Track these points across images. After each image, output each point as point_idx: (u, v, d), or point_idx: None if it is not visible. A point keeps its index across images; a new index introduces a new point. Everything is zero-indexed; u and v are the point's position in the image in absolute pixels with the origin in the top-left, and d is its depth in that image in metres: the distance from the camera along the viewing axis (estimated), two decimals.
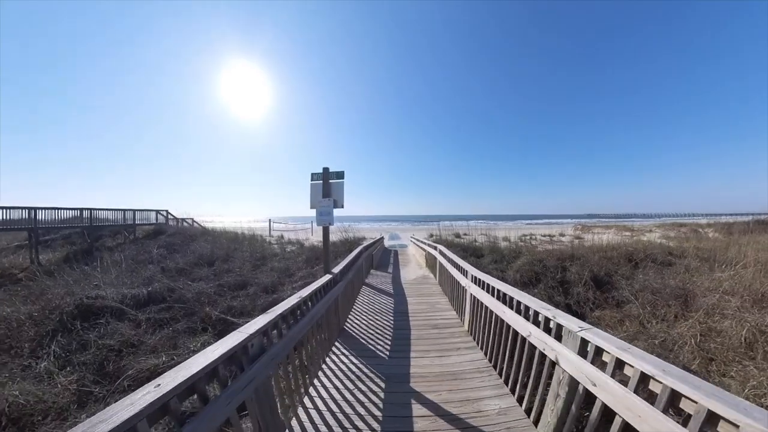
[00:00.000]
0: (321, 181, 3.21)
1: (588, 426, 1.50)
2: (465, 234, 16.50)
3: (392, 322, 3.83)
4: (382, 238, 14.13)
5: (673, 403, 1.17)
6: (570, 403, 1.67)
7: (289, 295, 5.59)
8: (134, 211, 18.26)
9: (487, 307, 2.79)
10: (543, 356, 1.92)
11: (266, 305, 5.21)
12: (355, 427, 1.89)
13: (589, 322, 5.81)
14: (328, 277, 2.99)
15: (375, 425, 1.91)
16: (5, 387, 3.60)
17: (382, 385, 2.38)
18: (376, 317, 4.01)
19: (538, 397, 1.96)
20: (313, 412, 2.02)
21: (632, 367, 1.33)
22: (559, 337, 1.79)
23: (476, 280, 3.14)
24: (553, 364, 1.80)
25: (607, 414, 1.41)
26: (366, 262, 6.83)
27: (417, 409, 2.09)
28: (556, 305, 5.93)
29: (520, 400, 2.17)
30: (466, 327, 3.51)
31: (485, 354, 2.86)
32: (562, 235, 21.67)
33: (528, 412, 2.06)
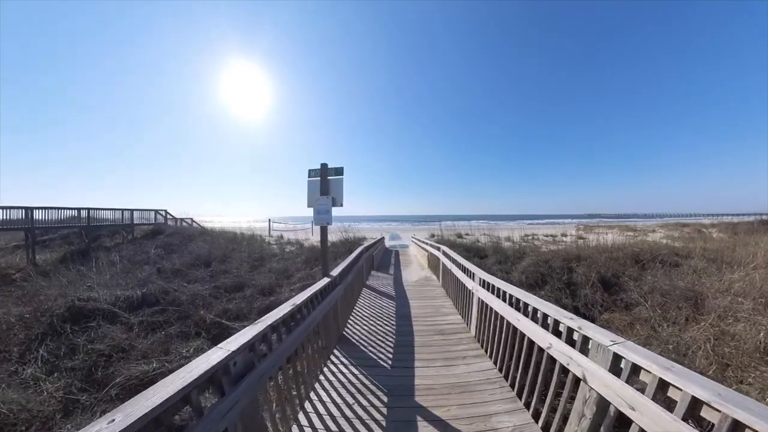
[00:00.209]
0: (319, 178, 3.01)
1: None
2: (467, 234, 16.31)
3: (394, 327, 3.63)
4: (382, 239, 13.92)
5: None
6: (598, 425, 1.48)
7: (286, 299, 5.37)
8: (132, 210, 18.09)
9: (497, 313, 2.59)
10: (564, 370, 1.73)
11: (263, 308, 5.02)
12: None
13: (599, 326, 5.62)
14: (326, 280, 2.79)
15: None
16: None
17: (385, 399, 2.18)
18: (378, 322, 3.80)
19: (558, 415, 1.76)
20: None
21: (679, 389, 1.14)
22: (585, 351, 1.59)
23: (484, 284, 2.94)
24: (578, 380, 1.60)
25: None
26: (366, 264, 6.62)
27: (423, 427, 1.89)
28: (564, 308, 5.74)
29: (535, 416, 1.97)
30: (472, 332, 3.31)
31: (495, 363, 2.66)
32: (564, 235, 21.47)
33: (545, 430, 1.86)
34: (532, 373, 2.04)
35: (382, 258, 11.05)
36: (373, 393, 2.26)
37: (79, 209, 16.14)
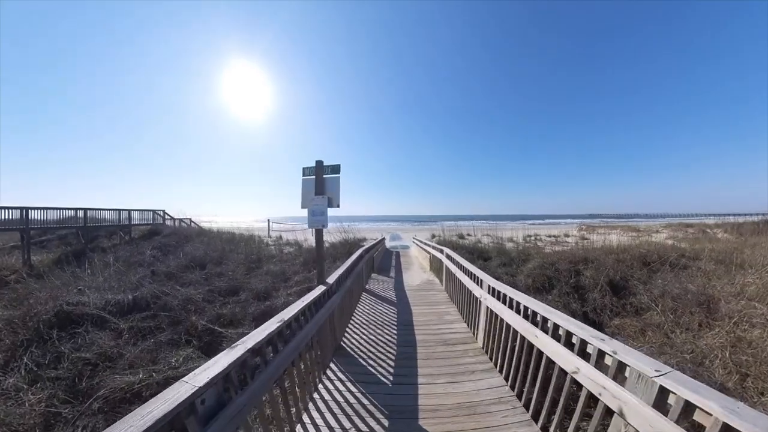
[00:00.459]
0: (314, 177, 2.78)
1: None
2: (468, 234, 16.09)
3: (395, 336, 3.39)
4: (383, 239, 13.67)
5: None
6: None
7: (282, 304, 5.10)
8: (130, 211, 17.89)
9: (509, 326, 2.36)
10: (593, 398, 1.50)
11: (258, 314, 4.79)
12: None
13: (609, 332, 5.34)
14: (321, 288, 2.56)
15: None
16: None
17: (385, 423, 1.96)
18: (378, 330, 3.57)
19: None
20: None
21: None
22: (620, 378, 1.36)
23: (494, 292, 2.71)
24: (610, 411, 1.37)
25: None
26: (366, 267, 6.38)
27: None
28: (573, 313, 5.50)
29: None
30: (480, 343, 3.08)
31: (506, 379, 2.43)
32: (566, 235, 21.25)
33: None
34: (551, 396, 1.81)
35: (383, 260, 10.80)
36: (372, 415, 2.04)
37: (76, 209, 15.94)
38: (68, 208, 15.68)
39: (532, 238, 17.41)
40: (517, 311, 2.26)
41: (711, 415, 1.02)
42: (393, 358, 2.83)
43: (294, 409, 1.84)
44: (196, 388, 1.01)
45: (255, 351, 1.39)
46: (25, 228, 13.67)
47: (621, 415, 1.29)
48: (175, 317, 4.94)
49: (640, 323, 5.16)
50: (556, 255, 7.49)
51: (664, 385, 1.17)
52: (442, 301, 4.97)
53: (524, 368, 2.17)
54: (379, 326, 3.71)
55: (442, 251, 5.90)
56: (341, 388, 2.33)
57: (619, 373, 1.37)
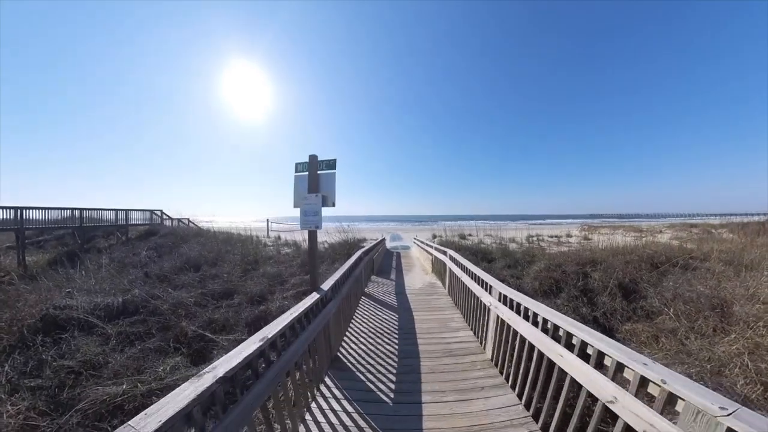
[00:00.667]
0: (307, 173, 2.53)
1: None
2: (469, 235, 15.88)
3: (397, 346, 3.14)
4: (383, 240, 13.42)
5: None
6: None
7: (277, 308, 4.83)
8: (127, 210, 17.69)
9: (524, 339, 2.12)
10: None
11: (251, 319, 4.55)
12: None
13: (621, 338, 5.08)
14: (314, 297, 2.31)
15: None
16: None
17: None
18: (378, 340, 3.32)
19: None
20: None
21: None
22: (669, 411, 1.13)
23: (505, 300, 2.47)
24: None
25: None
26: (366, 269, 6.13)
27: None
28: (583, 319, 5.25)
29: None
30: (488, 354, 2.83)
31: (519, 396, 2.19)
32: (569, 235, 21.06)
33: None
34: (576, 424, 1.58)
35: (383, 261, 10.55)
36: None
37: (72, 209, 15.74)
38: (64, 208, 15.49)
39: (534, 238, 17.19)
40: (535, 323, 2.02)
41: None
42: (394, 371, 2.58)
43: None
44: None
45: (228, 379, 1.15)
46: (19, 228, 13.49)
47: None
48: (165, 322, 4.70)
49: (652, 329, 4.91)
50: (563, 256, 7.26)
51: (733, 428, 0.93)
52: (445, 306, 4.72)
53: (542, 386, 1.94)
54: (379, 335, 3.46)
55: (445, 253, 5.65)
56: (336, 407, 2.09)
57: (668, 405, 1.14)
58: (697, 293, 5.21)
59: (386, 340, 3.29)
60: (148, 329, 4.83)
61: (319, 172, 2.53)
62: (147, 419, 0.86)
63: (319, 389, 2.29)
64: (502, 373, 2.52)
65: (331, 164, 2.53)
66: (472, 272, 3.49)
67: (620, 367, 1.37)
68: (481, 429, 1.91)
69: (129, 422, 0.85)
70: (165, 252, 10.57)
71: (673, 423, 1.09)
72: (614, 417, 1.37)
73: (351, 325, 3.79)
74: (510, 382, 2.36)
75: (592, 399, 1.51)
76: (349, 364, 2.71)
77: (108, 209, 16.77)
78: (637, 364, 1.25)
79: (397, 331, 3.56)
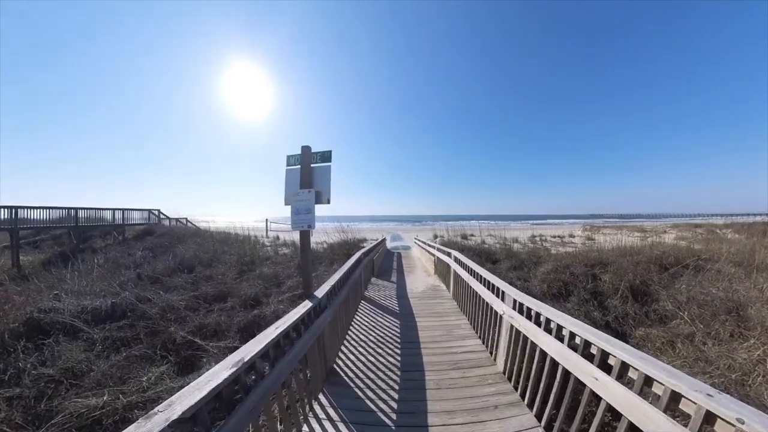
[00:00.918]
0: (299, 166, 2.27)
1: None
2: (471, 235, 15.64)
3: (399, 357, 2.87)
4: (384, 240, 13.15)
5: None
6: None
7: (272, 313, 4.55)
8: (124, 210, 17.45)
9: (545, 354, 1.86)
10: None
11: (244, 324, 4.30)
12: None
13: (634, 343, 4.81)
14: (306, 306, 2.04)
15: None
16: None
17: None
18: (378, 350, 3.05)
19: None
20: None
21: None
22: None
23: (522, 309, 2.20)
24: None
25: None
26: (366, 271, 5.86)
27: None
28: (595, 323, 4.98)
29: None
30: (500, 367, 2.57)
31: (538, 417, 1.93)
32: (571, 236, 20.82)
33: None
34: None
35: (384, 262, 10.27)
36: None
37: (68, 209, 15.52)
38: (60, 208, 15.27)
39: (537, 238, 16.93)
40: (559, 337, 1.76)
41: None
42: (396, 387, 2.32)
43: None
44: None
45: (187, 421, 0.89)
46: (14, 228, 13.28)
47: None
48: (153, 327, 4.45)
49: (667, 334, 4.66)
50: (570, 257, 7.00)
51: None
52: (450, 311, 4.44)
53: (568, 408, 1.68)
54: (379, 344, 3.19)
55: (449, 254, 5.38)
56: (331, 431, 1.83)
57: None
58: (711, 296, 4.97)
59: (387, 350, 3.02)
60: (136, 334, 4.59)
61: (312, 165, 2.27)
62: None
63: (312, 409, 2.03)
64: (516, 389, 2.26)
65: (326, 156, 2.26)
66: (482, 276, 3.23)
67: (675, 396, 1.12)
68: None
69: None
70: (161, 252, 10.32)
71: None
72: None
73: (349, 332, 3.52)
74: (526, 400, 2.10)
75: (634, 429, 1.25)
76: (346, 378, 2.44)
77: (105, 209, 16.55)
78: (700, 395, 1.00)
79: (399, 340, 3.28)
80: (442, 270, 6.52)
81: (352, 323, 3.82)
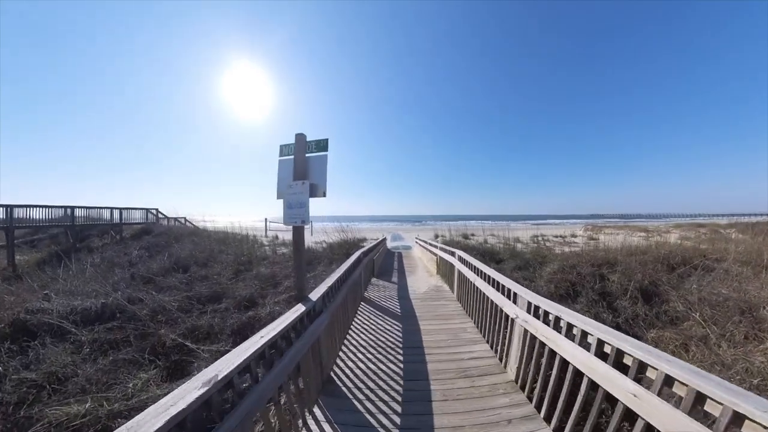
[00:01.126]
0: (292, 156, 2.06)
1: None
2: (472, 234, 15.46)
3: (401, 364, 2.65)
4: (384, 240, 12.94)
5: None
6: None
7: (266, 315, 4.33)
8: (122, 209, 17.27)
9: (568, 363, 1.66)
10: None
11: (237, 326, 4.09)
12: None
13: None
14: (299, 311, 1.83)
15: None
16: None
17: None
18: (379, 356, 2.83)
19: None
20: None
21: None
22: None
23: (537, 312, 2.00)
24: None
25: None
26: (366, 271, 5.64)
27: None
28: (605, 325, 4.82)
29: None
30: (511, 374, 2.36)
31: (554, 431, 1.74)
32: (573, 235, 20.65)
33: None
34: None
35: (384, 262, 10.06)
36: None
37: (64, 207, 15.36)
38: (57, 207, 15.12)
39: (539, 238, 16.75)
40: (583, 345, 1.56)
41: None
42: (399, 398, 2.11)
43: None
44: None
45: None
46: (9, 227, 13.11)
47: None
48: (143, 329, 4.25)
49: (680, 336, 4.46)
50: (576, 257, 6.81)
51: None
52: (454, 313, 4.21)
53: (595, 427, 1.48)
54: (380, 349, 2.96)
55: (453, 254, 5.17)
56: None
57: None
58: (724, 297, 4.79)
59: (389, 355, 2.80)
60: (125, 336, 4.39)
61: (308, 155, 2.06)
62: None
63: (306, 424, 1.82)
64: (531, 399, 2.05)
65: (322, 145, 2.04)
66: (490, 277, 3.02)
67: (738, 418, 0.92)
68: None
69: None
70: (157, 252, 10.14)
71: None
72: None
73: (348, 336, 3.30)
74: (543, 413, 1.89)
75: None
76: (344, 388, 2.23)
77: (103, 207, 16.38)
78: None
79: (401, 345, 3.06)
80: (445, 270, 6.31)
81: (351, 326, 3.61)
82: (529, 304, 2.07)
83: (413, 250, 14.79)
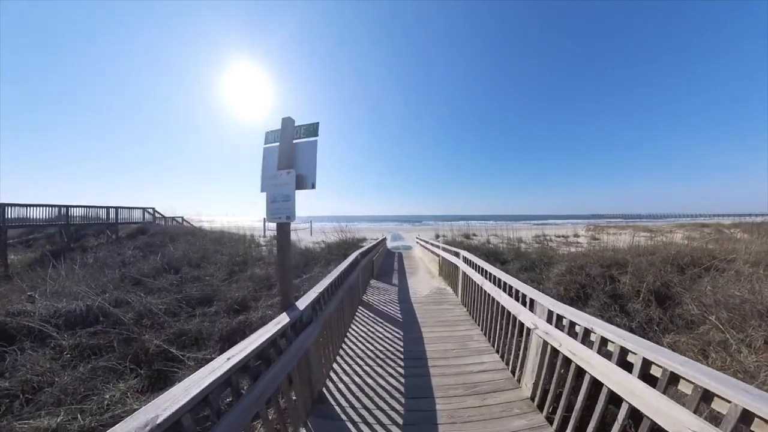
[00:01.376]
0: (278, 143, 1.78)
1: None
2: (474, 235, 15.22)
3: (403, 378, 2.38)
4: (384, 240, 12.66)
5: None
6: None
7: (258, 319, 4.04)
8: (118, 208, 17.03)
9: (601, 384, 1.40)
10: None
11: (227, 332, 3.83)
12: None
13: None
14: (280, 323, 1.56)
15: None
16: None
17: None
18: (378, 369, 2.55)
19: None
20: None
21: None
22: None
23: (560, 322, 1.73)
24: None
25: None
26: (364, 273, 5.35)
27: None
28: (619, 329, 4.56)
29: None
30: (526, 391, 2.09)
31: None
32: (576, 236, 20.42)
33: None
34: None
35: (384, 262, 9.78)
36: None
37: (59, 207, 15.14)
38: (52, 206, 14.90)
39: (542, 238, 16.49)
40: (622, 363, 1.30)
41: None
42: (400, 421, 1.82)
43: None
44: None
45: None
46: (1, 226, 12.91)
47: None
48: (127, 333, 3.99)
49: (698, 341, 4.20)
50: (584, 258, 6.56)
51: None
52: (459, 318, 3.92)
53: None
54: (379, 360, 2.67)
55: (457, 254, 4.89)
56: None
57: None
58: (741, 299, 4.53)
59: (389, 368, 2.51)
60: (109, 341, 4.14)
61: (295, 140, 1.78)
62: None
63: None
64: (551, 422, 1.79)
65: (311, 130, 1.75)
66: (500, 280, 2.74)
67: None
68: None
69: None
70: (151, 252, 9.89)
71: None
72: None
73: (344, 345, 3.01)
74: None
75: None
76: (337, 408, 1.95)
77: (99, 207, 16.16)
78: None
79: (402, 356, 2.78)
80: (448, 271, 6.04)
81: (348, 334, 3.32)
82: (550, 312, 1.81)
83: (414, 250, 14.53)
